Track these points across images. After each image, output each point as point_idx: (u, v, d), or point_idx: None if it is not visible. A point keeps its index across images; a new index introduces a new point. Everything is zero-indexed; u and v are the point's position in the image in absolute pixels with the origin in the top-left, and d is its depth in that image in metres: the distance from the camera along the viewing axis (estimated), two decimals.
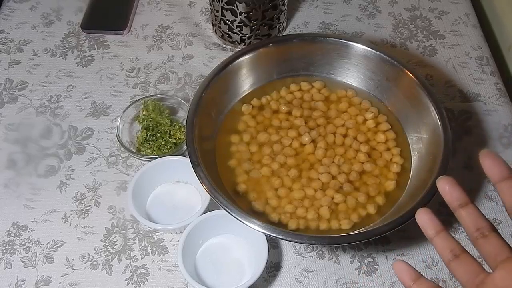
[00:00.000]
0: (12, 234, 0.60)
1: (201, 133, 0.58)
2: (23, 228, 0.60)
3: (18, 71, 0.74)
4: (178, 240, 0.54)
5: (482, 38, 0.78)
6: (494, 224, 0.60)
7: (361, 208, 0.57)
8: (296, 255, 0.59)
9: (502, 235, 0.59)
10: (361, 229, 0.55)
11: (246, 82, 0.66)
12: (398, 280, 0.40)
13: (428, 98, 0.59)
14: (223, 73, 0.62)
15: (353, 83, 0.67)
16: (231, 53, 0.67)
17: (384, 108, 0.65)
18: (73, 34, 0.79)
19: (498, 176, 0.36)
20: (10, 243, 0.59)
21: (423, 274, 0.56)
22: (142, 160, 0.64)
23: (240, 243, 0.58)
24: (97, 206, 0.62)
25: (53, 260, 0.58)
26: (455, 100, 0.71)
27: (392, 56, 0.63)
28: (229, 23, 0.72)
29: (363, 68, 0.65)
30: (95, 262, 0.58)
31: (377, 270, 0.57)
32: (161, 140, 0.63)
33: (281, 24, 0.75)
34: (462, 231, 0.60)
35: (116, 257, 0.58)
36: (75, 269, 0.57)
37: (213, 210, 0.56)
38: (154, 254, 0.58)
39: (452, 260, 0.38)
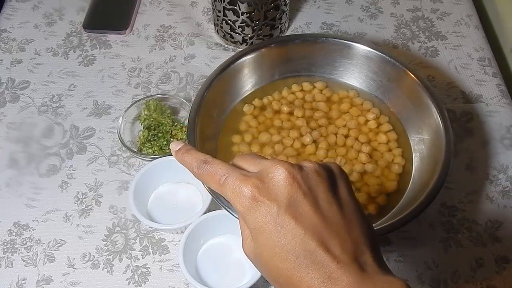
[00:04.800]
0: (14, 233, 0.60)
1: (203, 133, 0.58)
2: (25, 227, 0.60)
3: (20, 70, 0.74)
4: (179, 240, 0.54)
5: (484, 39, 0.78)
6: (495, 226, 0.60)
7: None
8: None
9: (503, 236, 0.60)
10: None
11: (248, 83, 0.66)
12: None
13: (430, 99, 0.59)
14: (225, 73, 0.62)
15: (355, 83, 0.67)
16: (233, 53, 0.67)
17: (385, 109, 0.65)
18: (75, 33, 0.79)
19: None
20: (12, 242, 0.59)
21: (425, 275, 0.57)
22: (143, 159, 0.64)
23: (241, 243, 0.57)
24: (98, 206, 0.62)
25: (54, 259, 0.58)
26: (457, 101, 0.71)
27: (394, 57, 0.63)
28: (231, 23, 0.72)
29: (365, 69, 0.65)
30: (96, 262, 0.58)
31: None
32: (162, 140, 0.63)
33: (283, 25, 0.75)
34: (464, 233, 0.60)
35: (117, 257, 0.58)
36: (76, 269, 0.57)
37: (215, 210, 0.56)
38: (155, 254, 0.58)
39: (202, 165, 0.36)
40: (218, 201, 0.52)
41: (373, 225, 0.55)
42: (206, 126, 0.60)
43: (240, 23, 0.71)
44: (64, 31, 0.79)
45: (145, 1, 0.83)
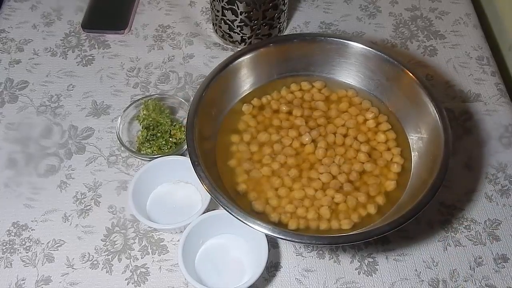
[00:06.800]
0: (13, 234, 0.60)
1: (202, 133, 0.58)
2: (24, 228, 0.60)
3: (18, 71, 0.74)
4: (178, 240, 0.55)
5: (482, 38, 0.78)
6: (494, 225, 0.60)
7: (362, 208, 0.57)
8: (296, 255, 0.59)
9: (502, 235, 0.60)
10: (361, 229, 0.55)
11: (246, 82, 0.66)
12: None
13: (428, 98, 0.59)
14: (224, 73, 0.62)
15: (353, 83, 0.67)
16: (231, 53, 0.66)
17: (384, 108, 0.65)
18: (73, 33, 0.79)
19: None
20: (11, 243, 0.59)
21: (424, 274, 0.57)
22: (142, 159, 0.64)
23: (240, 243, 0.58)
24: (97, 206, 0.62)
25: (54, 260, 0.58)
26: (456, 100, 0.71)
27: (392, 56, 0.63)
28: (229, 22, 0.72)
29: (364, 68, 0.65)
30: (95, 262, 0.58)
31: (377, 270, 0.57)
32: (161, 140, 0.63)
33: (281, 24, 0.75)
34: (462, 232, 0.60)
35: (116, 257, 0.58)
36: (75, 269, 0.57)
37: (213, 209, 0.56)
38: (154, 254, 0.58)
39: None
40: (217, 201, 0.52)
41: (373, 224, 0.56)
42: (205, 126, 0.60)
43: (239, 22, 0.71)
44: (63, 31, 0.79)
45: (144, 1, 0.83)
